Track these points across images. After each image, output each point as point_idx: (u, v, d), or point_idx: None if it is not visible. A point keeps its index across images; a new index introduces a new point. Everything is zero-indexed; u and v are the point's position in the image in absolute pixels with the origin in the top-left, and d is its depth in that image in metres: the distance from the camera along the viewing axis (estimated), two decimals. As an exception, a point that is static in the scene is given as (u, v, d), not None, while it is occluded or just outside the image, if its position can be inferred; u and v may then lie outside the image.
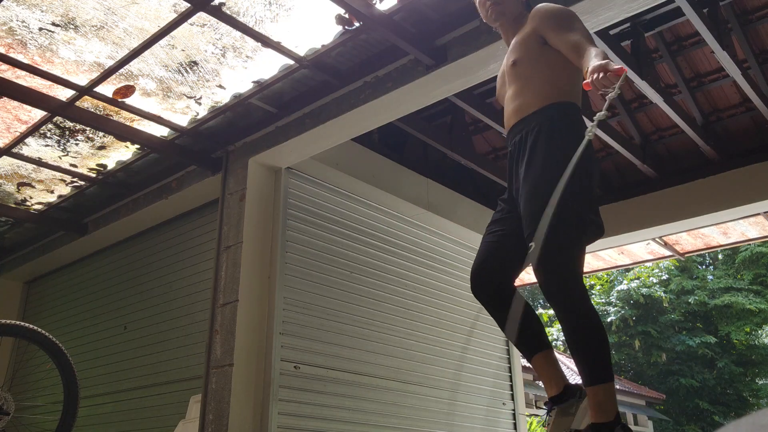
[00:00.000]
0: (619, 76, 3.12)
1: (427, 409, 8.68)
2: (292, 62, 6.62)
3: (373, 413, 7.96)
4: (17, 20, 5.82)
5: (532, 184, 3.69)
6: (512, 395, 10.25)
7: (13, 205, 9.54)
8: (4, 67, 6.46)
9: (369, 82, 6.76)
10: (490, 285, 3.99)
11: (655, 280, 38.65)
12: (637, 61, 7.76)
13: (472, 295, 4.10)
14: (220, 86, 6.96)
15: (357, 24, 6.10)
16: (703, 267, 42.05)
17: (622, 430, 3.33)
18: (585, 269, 3.88)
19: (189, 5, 5.68)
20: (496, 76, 7.05)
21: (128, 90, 6.87)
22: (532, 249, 3.65)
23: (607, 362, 3.43)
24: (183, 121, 7.56)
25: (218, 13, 5.77)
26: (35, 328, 5.56)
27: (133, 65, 6.48)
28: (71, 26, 5.94)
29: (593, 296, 39.58)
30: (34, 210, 9.71)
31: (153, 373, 8.58)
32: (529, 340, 3.87)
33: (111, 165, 8.49)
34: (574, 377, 36.10)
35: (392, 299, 8.72)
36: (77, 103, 7.03)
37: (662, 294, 38.39)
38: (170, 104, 7.20)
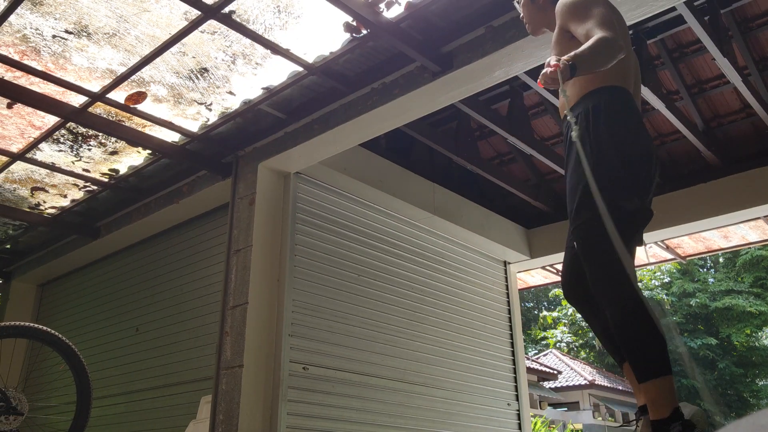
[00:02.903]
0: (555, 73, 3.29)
1: (433, 409, 8.67)
2: (300, 69, 6.62)
3: (380, 413, 7.96)
4: (31, 28, 5.83)
5: (569, 180, 3.66)
6: (517, 396, 10.23)
7: (27, 210, 9.55)
8: (19, 73, 6.47)
9: (376, 88, 6.75)
10: (575, 295, 3.89)
11: (657, 283, 38.69)
12: (639, 67, 7.75)
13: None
14: (230, 92, 6.96)
15: (364, 31, 6.09)
16: (705, 270, 42.02)
17: (680, 426, 3.14)
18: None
19: (200, 13, 5.68)
20: (500, 83, 7.10)
21: (140, 96, 6.87)
22: (576, 247, 3.60)
23: (655, 357, 3.29)
24: (194, 126, 7.56)
25: (228, 20, 5.77)
26: (48, 330, 5.56)
27: (145, 72, 6.48)
28: (84, 34, 5.94)
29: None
30: (48, 214, 9.72)
31: (164, 374, 8.58)
32: (617, 347, 3.71)
33: (123, 170, 8.49)
34: (576, 379, 35.96)
35: (399, 301, 8.71)
36: (90, 109, 7.03)
37: (664, 296, 38.40)
38: (181, 110, 7.21)
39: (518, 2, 4.44)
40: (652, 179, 3.63)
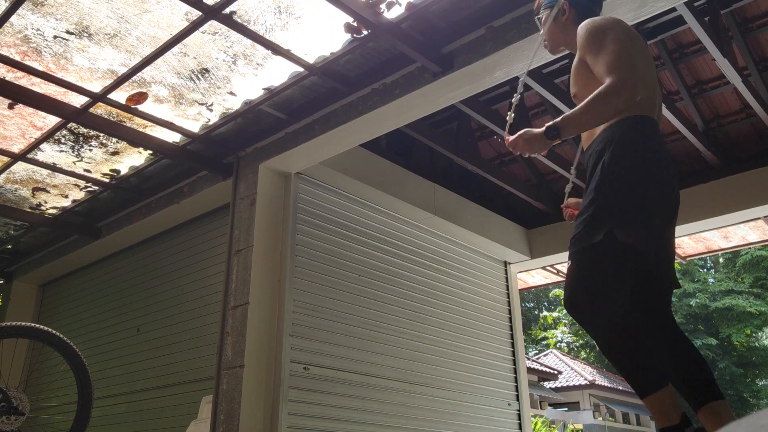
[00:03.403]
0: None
1: (434, 409, 8.66)
2: (301, 69, 6.61)
3: (380, 413, 7.95)
4: (32, 28, 5.83)
5: (582, 207, 3.56)
6: (517, 396, 10.23)
7: (29, 210, 9.54)
8: (20, 74, 6.47)
9: (377, 89, 6.75)
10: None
11: (657, 283, 38.66)
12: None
13: None
14: (231, 93, 6.96)
15: (365, 32, 6.08)
16: (705, 270, 42.11)
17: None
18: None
19: (201, 14, 5.67)
20: (501, 84, 7.09)
21: (141, 97, 6.86)
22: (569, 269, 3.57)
23: (650, 372, 3.22)
24: (195, 127, 7.56)
25: (229, 21, 5.76)
26: (50, 330, 5.56)
27: (146, 72, 6.47)
28: (85, 34, 5.94)
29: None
30: (49, 214, 9.72)
31: (165, 374, 8.57)
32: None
33: (124, 170, 8.49)
34: (572, 380, 35.93)
35: (399, 302, 8.71)
36: (91, 110, 7.02)
37: (664, 297, 38.38)
38: (182, 111, 7.20)
39: (539, 19, 4.40)
40: (665, 213, 3.51)
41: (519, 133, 3.63)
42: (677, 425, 3.13)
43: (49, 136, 7.56)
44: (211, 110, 7.25)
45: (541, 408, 33.55)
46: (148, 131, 7.55)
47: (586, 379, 36.40)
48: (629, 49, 3.54)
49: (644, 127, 3.55)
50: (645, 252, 3.38)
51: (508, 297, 10.87)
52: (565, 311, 42.39)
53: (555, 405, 36.79)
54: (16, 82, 6.60)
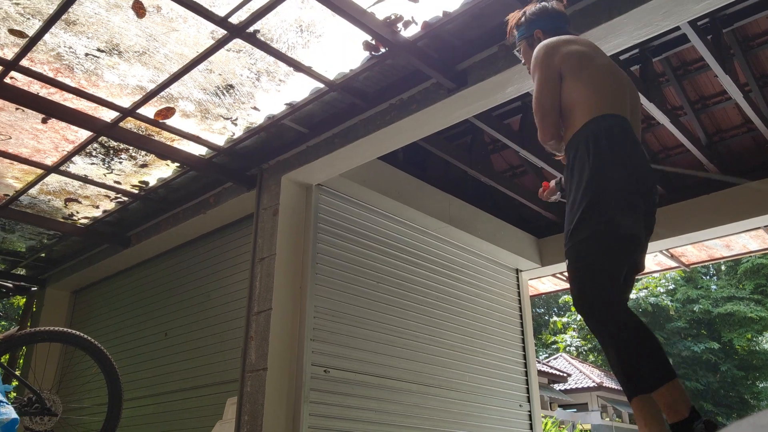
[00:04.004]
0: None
1: (448, 410, 8.62)
2: (322, 86, 6.60)
3: (397, 414, 7.92)
4: (65, 46, 5.84)
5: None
6: (528, 397, 10.18)
7: (61, 220, 9.56)
8: (53, 90, 6.48)
9: (394, 104, 6.73)
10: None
11: (662, 290, 38.60)
12: (645, 84, 7.72)
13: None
14: (255, 108, 6.95)
15: (383, 50, 6.07)
16: (707, 277, 41.86)
17: (703, 424, 2.93)
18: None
19: (226, 32, 5.68)
20: (512, 99, 7.08)
21: (169, 111, 6.87)
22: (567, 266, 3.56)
23: (658, 365, 3.11)
24: (220, 140, 7.55)
25: (253, 39, 5.76)
26: (82, 334, 5.56)
27: (174, 88, 6.47)
28: (115, 52, 5.94)
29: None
30: (81, 224, 9.73)
31: (192, 376, 8.57)
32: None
33: (152, 182, 8.50)
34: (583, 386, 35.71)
35: (416, 307, 8.67)
36: (121, 124, 7.03)
37: (669, 303, 38.29)
38: (208, 125, 7.20)
39: (518, 51, 4.44)
40: (635, 202, 3.43)
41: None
42: (687, 419, 3.05)
43: (80, 149, 7.57)
44: (235, 124, 7.25)
45: (551, 409, 33.40)
46: (175, 144, 7.56)
47: (594, 381, 36.27)
48: (542, 91, 3.85)
49: (601, 125, 3.57)
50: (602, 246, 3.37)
51: (520, 303, 10.83)
52: (574, 317, 42.16)
53: (564, 406, 36.62)
54: (49, 98, 6.61)
